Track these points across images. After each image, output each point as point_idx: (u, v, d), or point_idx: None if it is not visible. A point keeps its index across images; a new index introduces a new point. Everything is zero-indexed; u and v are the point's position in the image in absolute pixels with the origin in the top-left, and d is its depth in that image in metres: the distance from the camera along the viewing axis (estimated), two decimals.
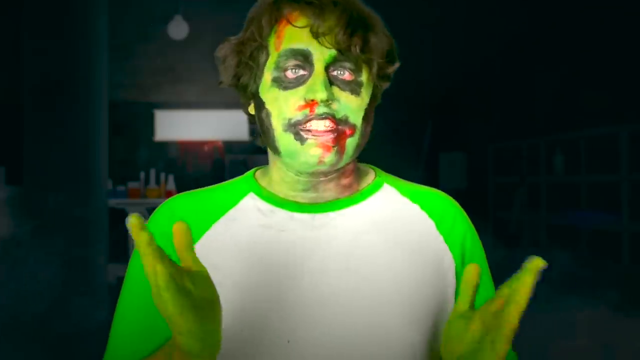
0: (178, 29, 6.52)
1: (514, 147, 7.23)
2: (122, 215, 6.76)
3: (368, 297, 0.91)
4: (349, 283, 0.92)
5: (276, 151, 0.94)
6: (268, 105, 0.92)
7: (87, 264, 4.40)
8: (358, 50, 0.90)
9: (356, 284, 0.92)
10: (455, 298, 0.98)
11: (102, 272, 4.62)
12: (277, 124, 0.91)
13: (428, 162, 8.47)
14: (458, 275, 0.99)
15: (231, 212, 0.99)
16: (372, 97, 0.95)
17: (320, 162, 0.90)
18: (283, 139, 0.91)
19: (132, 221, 0.67)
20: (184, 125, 8.89)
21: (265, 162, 1.05)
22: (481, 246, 1.04)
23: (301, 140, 0.90)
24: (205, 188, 1.05)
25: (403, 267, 0.94)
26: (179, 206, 1.00)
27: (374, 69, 0.93)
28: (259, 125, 0.96)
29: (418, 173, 8.23)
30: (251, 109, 0.99)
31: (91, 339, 3.95)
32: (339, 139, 0.90)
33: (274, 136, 0.92)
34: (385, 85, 0.99)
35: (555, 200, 6.31)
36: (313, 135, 0.89)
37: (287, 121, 0.90)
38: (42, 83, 4.39)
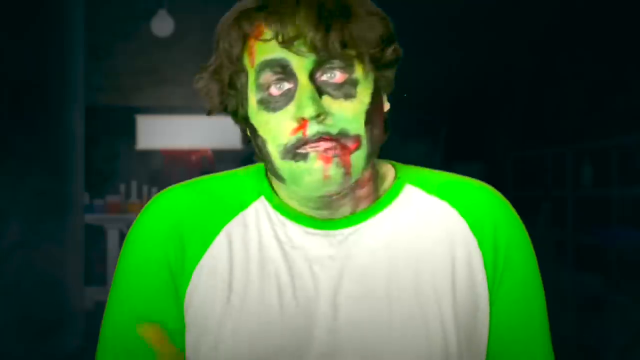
0: (162, 25, 6.55)
1: (537, 156, 7.24)
2: (100, 232, 6.75)
3: (389, 324, 0.90)
4: (367, 309, 0.91)
5: (280, 179, 0.92)
6: (261, 132, 0.90)
7: (62, 287, 4.39)
8: (338, 47, 0.86)
9: (376, 311, 0.91)
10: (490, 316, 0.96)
11: (78, 297, 4.61)
12: (273, 151, 0.89)
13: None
14: (490, 287, 0.96)
15: (241, 216, 0.97)
16: (375, 93, 0.91)
17: (326, 177, 0.87)
18: (283, 166, 0.89)
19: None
20: (168, 133, 8.90)
21: None
22: (529, 253, 0.99)
23: (304, 158, 0.87)
24: (210, 177, 1.03)
25: (429, 286, 0.93)
26: (184, 199, 0.98)
27: (367, 61, 0.89)
28: (258, 151, 0.94)
29: None
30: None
31: None
32: (341, 153, 0.87)
33: (273, 164, 0.91)
34: (391, 72, 0.94)
35: (583, 216, 6.30)
36: (311, 148, 0.87)
37: (282, 147, 0.88)
38: (8, 86, 4.36)
